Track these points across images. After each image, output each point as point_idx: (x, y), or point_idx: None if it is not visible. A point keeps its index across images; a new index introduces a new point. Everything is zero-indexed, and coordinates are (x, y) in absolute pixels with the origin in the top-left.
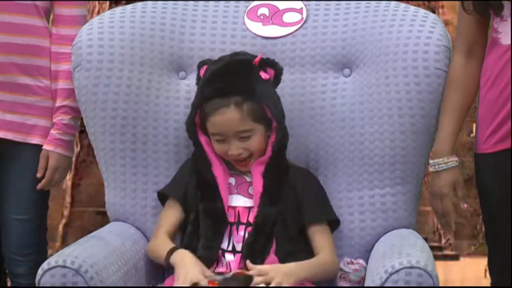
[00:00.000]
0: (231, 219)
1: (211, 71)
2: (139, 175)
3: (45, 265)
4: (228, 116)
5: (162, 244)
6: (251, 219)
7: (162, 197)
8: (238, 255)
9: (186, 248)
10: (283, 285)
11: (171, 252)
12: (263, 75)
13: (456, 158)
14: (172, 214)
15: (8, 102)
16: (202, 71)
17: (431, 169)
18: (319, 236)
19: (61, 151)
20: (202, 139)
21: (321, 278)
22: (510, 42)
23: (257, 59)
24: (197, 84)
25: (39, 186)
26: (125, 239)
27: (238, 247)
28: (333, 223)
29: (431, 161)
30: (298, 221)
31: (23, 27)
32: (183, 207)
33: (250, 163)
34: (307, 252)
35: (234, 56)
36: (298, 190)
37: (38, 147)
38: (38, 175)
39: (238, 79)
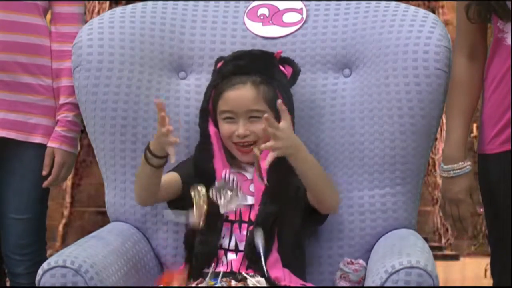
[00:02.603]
0: (231, 217)
1: (233, 55)
2: None
3: (45, 265)
4: (243, 92)
5: None
6: (252, 217)
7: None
8: (241, 254)
9: (186, 245)
10: (280, 150)
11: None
12: (282, 69)
13: (469, 163)
14: (167, 176)
15: (11, 101)
16: (219, 65)
17: (444, 175)
18: None
19: (66, 148)
20: (212, 129)
21: (317, 186)
22: None
23: (278, 52)
24: (212, 76)
25: (45, 183)
26: (125, 239)
27: (241, 246)
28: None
29: (444, 166)
30: (301, 220)
31: (25, 25)
32: (181, 176)
33: (252, 152)
34: None
35: (255, 49)
36: (301, 188)
37: (40, 146)
38: (44, 173)
39: (258, 61)
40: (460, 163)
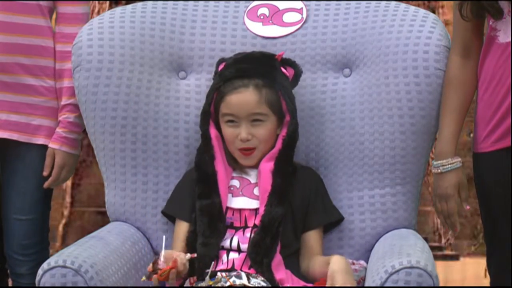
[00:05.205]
0: (236, 223)
1: (234, 58)
2: (139, 175)
3: (45, 265)
4: (245, 96)
5: None
6: (257, 222)
7: (167, 214)
8: (243, 254)
9: (187, 246)
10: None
11: None
12: (284, 71)
13: (459, 159)
14: (180, 233)
15: (13, 103)
16: (220, 66)
17: (434, 171)
18: (315, 240)
19: (67, 149)
20: (213, 132)
21: None
22: (509, 40)
23: (280, 53)
24: (213, 79)
25: (45, 184)
26: (125, 239)
27: (244, 248)
28: (336, 221)
29: (434, 163)
30: (303, 222)
31: (28, 27)
32: (191, 222)
33: (254, 155)
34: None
35: (256, 51)
36: (305, 192)
37: (43, 147)
38: (45, 173)
39: (260, 64)
40: (450, 159)
